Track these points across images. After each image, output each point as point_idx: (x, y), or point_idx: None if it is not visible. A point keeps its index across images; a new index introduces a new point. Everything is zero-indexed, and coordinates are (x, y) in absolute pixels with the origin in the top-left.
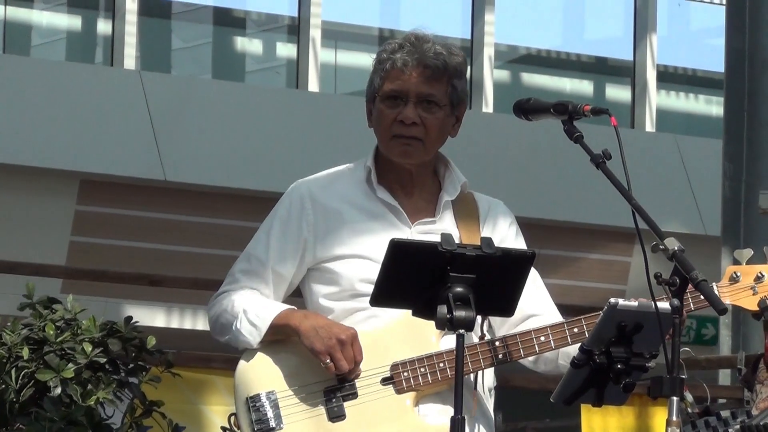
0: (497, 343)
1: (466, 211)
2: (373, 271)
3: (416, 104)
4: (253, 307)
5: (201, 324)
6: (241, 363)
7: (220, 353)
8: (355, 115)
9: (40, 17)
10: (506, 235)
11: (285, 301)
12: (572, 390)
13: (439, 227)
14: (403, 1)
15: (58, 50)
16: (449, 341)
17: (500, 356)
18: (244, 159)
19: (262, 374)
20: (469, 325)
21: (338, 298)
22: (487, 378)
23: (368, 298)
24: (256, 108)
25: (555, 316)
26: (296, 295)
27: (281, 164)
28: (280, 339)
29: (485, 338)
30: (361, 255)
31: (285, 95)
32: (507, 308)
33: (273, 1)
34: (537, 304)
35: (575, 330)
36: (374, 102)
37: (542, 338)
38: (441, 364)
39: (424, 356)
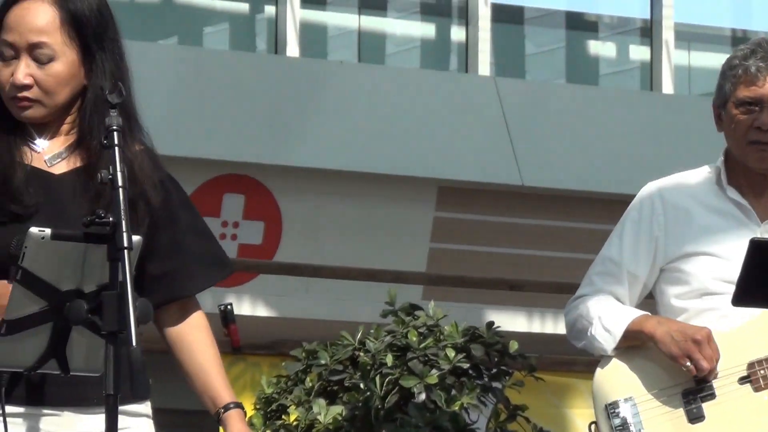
0: None
1: None
2: (724, 269)
3: None
4: (608, 313)
5: (562, 328)
6: (598, 371)
7: (582, 356)
8: (709, 116)
9: (394, 26)
10: None
11: (639, 306)
12: None
13: None
14: (755, 0)
15: (413, 58)
16: None
17: None
18: (600, 162)
19: (619, 381)
20: None
21: (689, 297)
22: None
23: (720, 297)
24: (610, 111)
25: None
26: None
27: (636, 167)
28: (634, 345)
29: None
30: (711, 253)
31: (639, 98)
32: None
33: (625, 3)
34: None
35: None
36: (725, 107)
37: None
38: None
39: None
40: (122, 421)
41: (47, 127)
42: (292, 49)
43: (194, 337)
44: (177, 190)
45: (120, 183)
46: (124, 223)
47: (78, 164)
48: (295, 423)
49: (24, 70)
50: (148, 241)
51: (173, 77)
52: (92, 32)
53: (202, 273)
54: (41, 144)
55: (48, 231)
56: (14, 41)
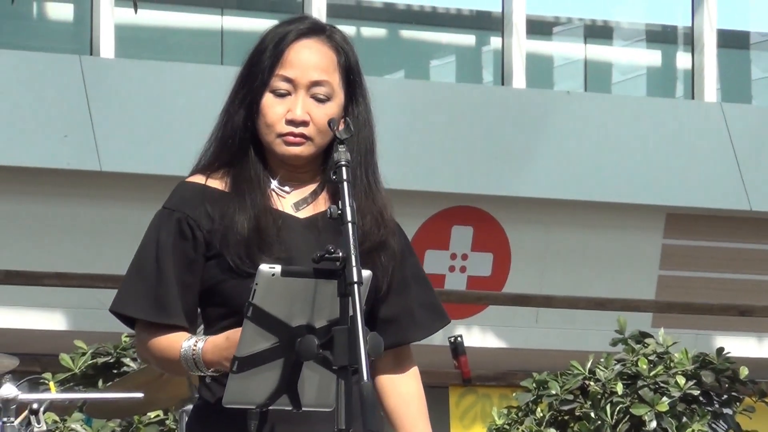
0: None
1: None
2: None
3: None
4: None
5: None
6: None
7: None
8: None
9: (620, 54)
10: None
11: None
12: None
13: None
14: None
15: (639, 86)
16: None
17: None
18: None
19: None
20: None
21: None
22: None
23: None
24: None
25: None
26: None
27: None
28: None
29: None
30: None
31: None
32: None
33: None
34: None
35: None
36: None
37: None
38: None
39: None
40: None
41: (291, 172)
42: (519, 80)
43: (404, 387)
44: (402, 236)
45: (349, 218)
46: (353, 257)
47: (323, 208)
48: None
49: (303, 107)
50: (384, 285)
51: (401, 111)
52: (358, 81)
53: (426, 321)
54: (287, 190)
55: (278, 268)
56: (295, 77)
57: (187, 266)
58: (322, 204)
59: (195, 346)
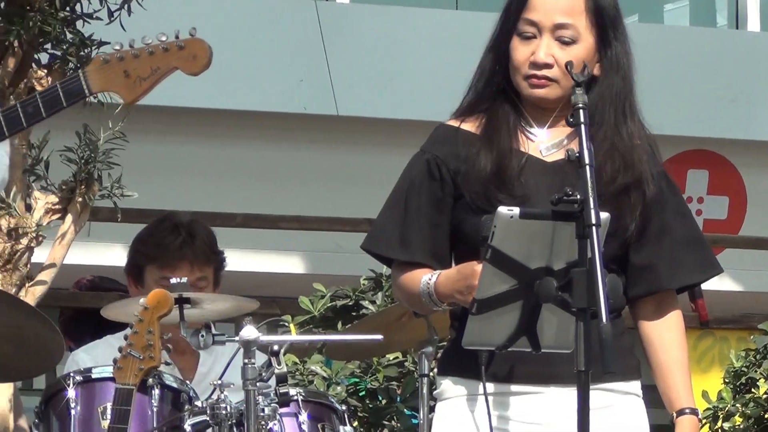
0: None
1: None
2: None
3: None
4: None
5: None
6: None
7: None
8: None
9: None
10: None
11: None
12: None
13: None
14: None
15: None
16: None
17: None
18: None
19: None
20: None
21: None
22: None
23: None
24: None
25: None
26: None
27: None
28: None
29: None
30: None
31: None
32: None
33: None
34: None
35: None
36: None
37: None
38: None
39: None
40: (606, 398)
41: (546, 116)
42: (753, 23)
43: (665, 336)
44: (671, 191)
45: (587, 161)
46: (591, 200)
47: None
48: (765, 396)
49: (546, 50)
50: (637, 233)
51: (635, 55)
52: (610, 23)
53: (684, 270)
54: (538, 133)
55: (516, 210)
56: (539, 20)
57: (435, 206)
58: (574, 148)
59: (430, 280)
